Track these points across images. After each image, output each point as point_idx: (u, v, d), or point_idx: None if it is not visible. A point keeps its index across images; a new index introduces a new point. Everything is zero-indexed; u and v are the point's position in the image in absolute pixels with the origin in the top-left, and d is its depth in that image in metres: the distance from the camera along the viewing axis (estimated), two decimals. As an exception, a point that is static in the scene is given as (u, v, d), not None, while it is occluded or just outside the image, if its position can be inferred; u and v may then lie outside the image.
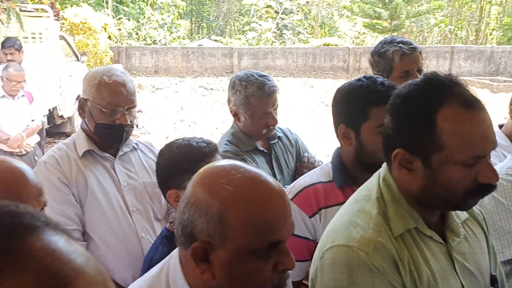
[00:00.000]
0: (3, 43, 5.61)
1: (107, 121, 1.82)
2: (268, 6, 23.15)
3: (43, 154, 5.74)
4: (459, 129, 1.05)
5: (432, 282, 1.09)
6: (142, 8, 20.16)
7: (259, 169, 0.96)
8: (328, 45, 18.12)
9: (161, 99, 12.27)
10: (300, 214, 1.60)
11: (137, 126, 8.15)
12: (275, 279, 0.93)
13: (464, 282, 1.14)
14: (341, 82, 15.61)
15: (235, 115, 2.12)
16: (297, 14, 24.34)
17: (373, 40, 20.91)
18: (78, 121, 8.57)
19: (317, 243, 1.55)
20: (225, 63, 16.84)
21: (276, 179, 2.12)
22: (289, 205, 0.95)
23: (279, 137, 2.26)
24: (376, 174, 1.24)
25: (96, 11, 14.83)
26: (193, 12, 30.48)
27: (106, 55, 12.96)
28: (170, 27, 20.92)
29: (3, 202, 0.46)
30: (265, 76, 2.09)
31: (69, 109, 8.13)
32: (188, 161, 1.52)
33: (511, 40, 23.83)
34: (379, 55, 2.25)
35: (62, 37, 8.64)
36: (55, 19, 8.81)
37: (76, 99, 8.48)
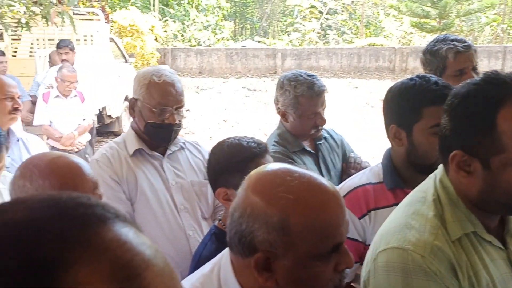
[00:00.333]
0: (58, 44, 5.89)
1: (157, 120, 1.86)
2: (312, 6, 22.99)
3: (93, 152, 5.94)
4: None
5: (491, 289, 1.05)
6: (187, 10, 20.50)
7: (310, 171, 0.96)
8: (373, 45, 17.79)
9: (205, 100, 12.43)
10: (349, 215, 1.58)
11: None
12: (336, 279, 0.93)
13: (525, 290, 1.09)
14: (386, 82, 15.30)
15: (283, 115, 2.12)
16: (342, 14, 24.06)
17: (420, 40, 20.35)
18: (125, 120, 8.81)
19: (366, 245, 1.53)
20: (268, 63, 16.85)
21: (324, 180, 2.10)
22: (344, 204, 0.95)
23: (324, 138, 2.24)
24: (431, 176, 1.21)
25: (143, 13, 15.19)
26: (237, 14, 30.73)
27: (152, 57, 13.25)
28: (214, 29, 21.17)
29: (75, 193, 0.47)
30: (313, 76, 2.08)
31: (117, 109, 8.36)
32: (238, 160, 1.53)
33: None
34: (431, 54, 2.19)
35: (111, 39, 8.90)
36: (105, 22, 9.10)
37: (124, 99, 8.73)
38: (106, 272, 0.40)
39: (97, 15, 8.88)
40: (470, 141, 1.05)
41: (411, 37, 21.21)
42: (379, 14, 24.94)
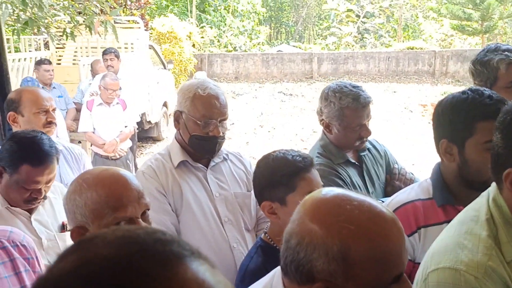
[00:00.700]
0: (104, 51, 6.18)
1: (201, 133, 1.87)
2: (349, 10, 22.77)
3: (134, 158, 6.07)
4: None
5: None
6: (224, 16, 20.71)
7: (368, 197, 0.94)
8: (412, 49, 17.45)
9: (242, 105, 12.49)
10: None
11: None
12: None
13: None
14: (426, 87, 14.95)
15: (327, 127, 2.10)
16: (379, 17, 23.71)
17: (461, 43, 19.82)
18: (163, 126, 8.96)
19: (415, 263, 1.49)
20: (304, 68, 16.78)
21: (368, 192, 2.07)
22: (404, 231, 0.92)
23: (368, 149, 2.20)
24: (484, 194, 1.17)
25: (181, 20, 15.43)
26: (272, 18, 30.78)
27: (190, 63, 13.44)
28: (250, 34, 21.29)
29: (150, 229, 0.48)
30: (358, 87, 2.05)
31: (156, 114, 8.52)
32: (282, 174, 1.53)
33: None
34: (481, 64, 2.12)
35: (150, 46, 9.08)
36: (144, 30, 9.30)
37: (163, 105, 8.88)
38: None
39: (137, 23, 9.08)
40: None
41: (452, 39, 20.65)
42: (417, 17, 24.44)
